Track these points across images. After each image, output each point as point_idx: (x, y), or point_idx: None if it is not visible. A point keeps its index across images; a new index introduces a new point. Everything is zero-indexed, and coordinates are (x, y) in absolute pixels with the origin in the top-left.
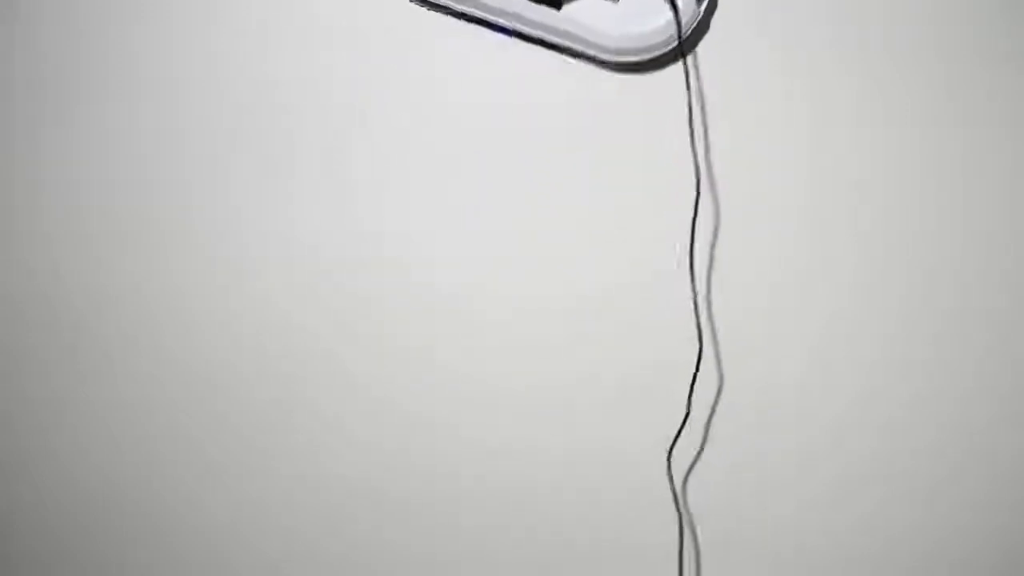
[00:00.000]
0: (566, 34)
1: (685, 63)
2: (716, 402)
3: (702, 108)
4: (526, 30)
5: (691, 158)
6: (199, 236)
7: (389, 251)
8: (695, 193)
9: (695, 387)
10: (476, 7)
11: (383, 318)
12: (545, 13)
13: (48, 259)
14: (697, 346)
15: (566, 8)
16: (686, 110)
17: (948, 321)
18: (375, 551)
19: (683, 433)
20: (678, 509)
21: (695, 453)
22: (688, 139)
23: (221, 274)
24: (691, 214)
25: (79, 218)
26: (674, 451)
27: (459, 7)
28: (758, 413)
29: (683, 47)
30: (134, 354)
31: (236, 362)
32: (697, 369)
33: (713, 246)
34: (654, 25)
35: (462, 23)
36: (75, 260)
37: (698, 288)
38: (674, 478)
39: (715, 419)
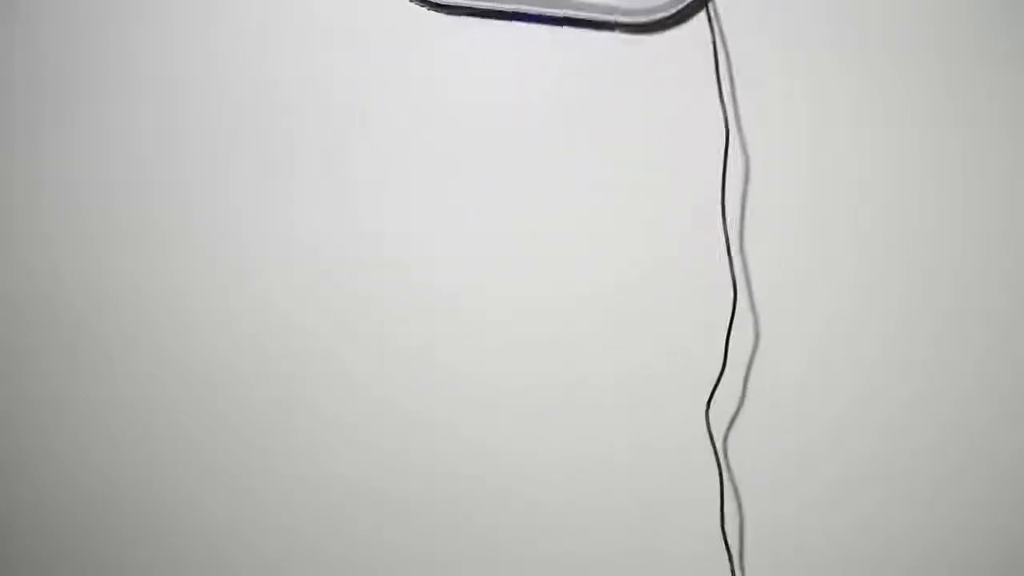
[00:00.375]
0: (578, 5)
1: (708, 11)
2: (753, 356)
3: (727, 58)
4: (540, 11)
5: (718, 109)
6: (199, 236)
7: (389, 251)
8: (724, 143)
9: (731, 339)
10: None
11: (383, 318)
12: None
13: (48, 259)
14: (732, 295)
15: None
16: (711, 60)
17: (948, 321)
18: (375, 551)
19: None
20: (718, 463)
21: (735, 408)
22: (716, 89)
23: (221, 274)
24: (720, 165)
25: (79, 218)
26: (712, 404)
27: (468, 4)
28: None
29: None
30: (134, 354)
31: (236, 362)
32: (732, 320)
33: (744, 197)
34: None
35: (462, 21)
36: (75, 260)
37: (731, 236)
38: (714, 434)
39: (752, 372)
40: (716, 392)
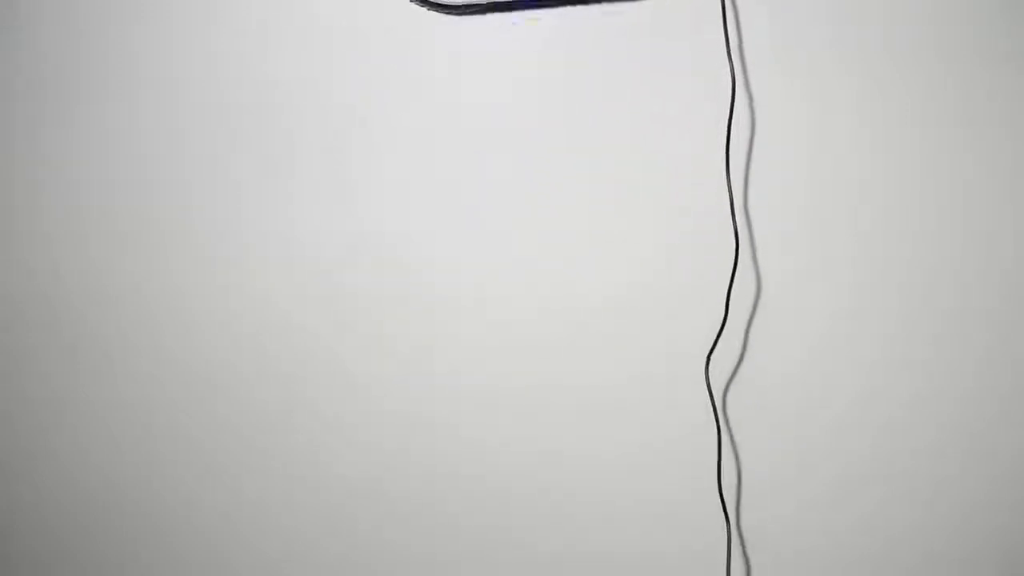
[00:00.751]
0: None
1: None
2: (754, 308)
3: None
4: None
5: (723, 65)
6: (199, 236)
7: (389, 251)
8: (731, 92)
9: (732, 289)
10: None
11: (383, 318)
12: None
13: (48, 259)
14: (733, 244)
15: None
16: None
17: (948, 321)
18: (375, 551)
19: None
20: (716, 418)
21: (735, 363)
22: (722, 37)
23: (221, 274)
24: (726, 116)
25: (79, 218)
26: (712, 359)
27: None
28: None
29: None
30: (134, 354)
31: (236, 362)
32: (735, 270)
33: (751, 145)
34: None
35: (462, 20)
36: (75, 260)
37: (734, 189)
38: (713, 388)
39: (753, 325)
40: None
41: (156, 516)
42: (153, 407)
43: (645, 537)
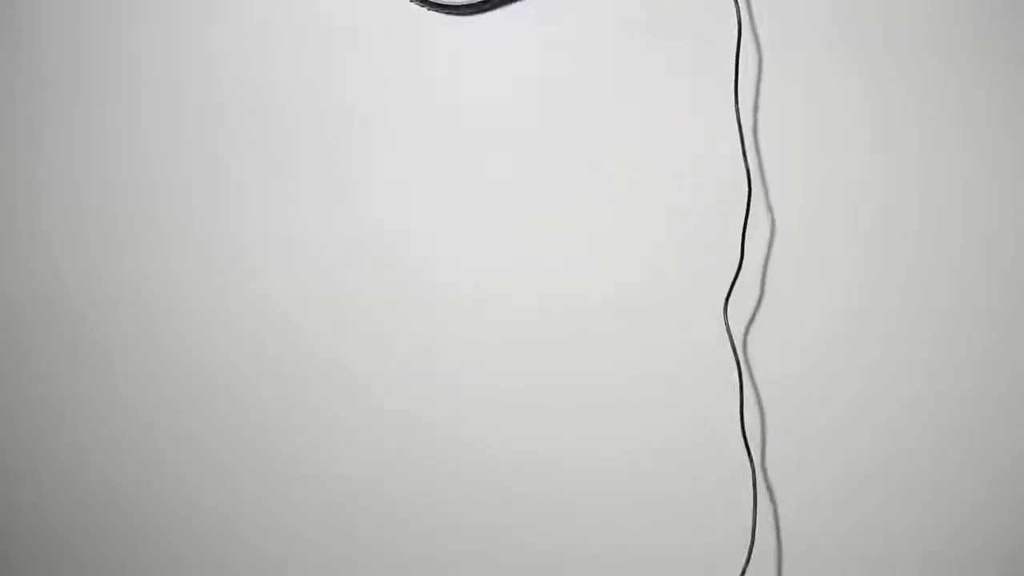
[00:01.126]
0: None
1: None
2: (769, 250)
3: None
4: None
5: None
6: (199, 236)
7: (389, 251)
8: (736, 31)
9: (747, 233)
10: None
11: (383, 318)
12: None
13: (48, 259)
14: (747, 189)
15: None
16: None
17: (948, 321)
18: (375, 551)
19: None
20: (737, 361)
21: (753, 306)
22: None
23: (221, 274)
24: (733, 55)
25: (79, 218)
26: (730, 302)
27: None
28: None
29: None
30: (134, 354)
31: (236, 362)
32: (748, 214)
33: (758, 82)
34: None
35: (461, 20)
36: (75, 260)
37: (744, 131)
38: (733, 332)
39: (770, 268)
40: (733, 290)
41: (156, 516)
42: (153, 407)
43: (645, 537)
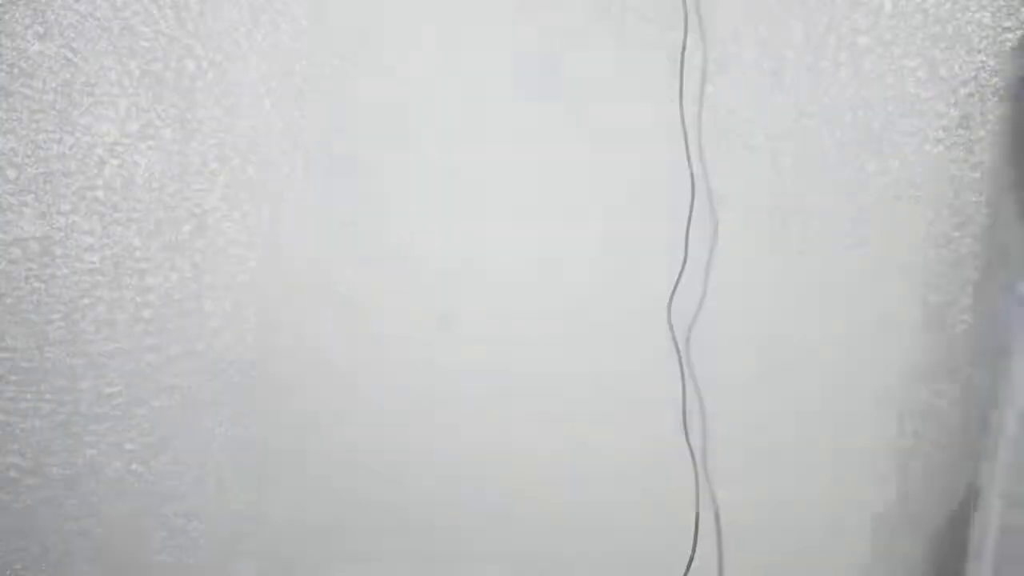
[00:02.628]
0: None
1: None
2: (712, 251)
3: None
4: None
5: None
6: (199, 236)
7: (389, 251)
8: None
9: (691, 230)
10: None
11: (383, 318)
12: None
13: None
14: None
15: None
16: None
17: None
18: (375, 551)
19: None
20: (680, 358)
21: (696, 306)
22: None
23: (221, 273)
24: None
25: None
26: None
27: None
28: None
29: None
30: (134, 354)
31: (235, 361)
32: (691, 212)
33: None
34: None
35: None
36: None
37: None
38: (676, 330)
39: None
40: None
41: (156, 515)
42: (153, 406)
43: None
